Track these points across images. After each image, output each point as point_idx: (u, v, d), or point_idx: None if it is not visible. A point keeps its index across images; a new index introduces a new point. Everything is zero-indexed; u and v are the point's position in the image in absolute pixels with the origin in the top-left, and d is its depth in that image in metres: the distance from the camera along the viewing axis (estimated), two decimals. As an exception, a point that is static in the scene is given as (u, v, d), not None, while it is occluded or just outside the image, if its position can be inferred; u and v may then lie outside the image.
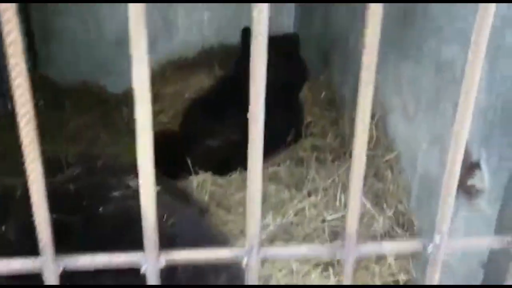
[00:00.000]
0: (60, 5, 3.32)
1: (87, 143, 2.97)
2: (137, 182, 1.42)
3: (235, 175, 2.40)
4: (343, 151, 2.24)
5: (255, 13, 0.48)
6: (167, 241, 1.19)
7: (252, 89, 0.49)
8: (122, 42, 3.52)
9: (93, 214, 1.29)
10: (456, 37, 1.51)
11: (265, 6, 0.47)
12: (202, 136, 2.73)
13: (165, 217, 1.24)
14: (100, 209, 1.30)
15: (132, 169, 1.71)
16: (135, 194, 1.52)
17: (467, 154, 1.39)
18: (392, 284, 1.71)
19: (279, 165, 2.51)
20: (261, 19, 0.48)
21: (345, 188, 2.06)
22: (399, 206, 1.83)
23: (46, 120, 3.13)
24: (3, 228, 1.37)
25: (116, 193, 1.44)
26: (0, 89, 2.95)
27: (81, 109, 3.31)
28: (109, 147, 2.97)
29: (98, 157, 1.76)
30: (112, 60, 3.53)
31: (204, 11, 3.70)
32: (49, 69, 3.46)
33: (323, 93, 2.71)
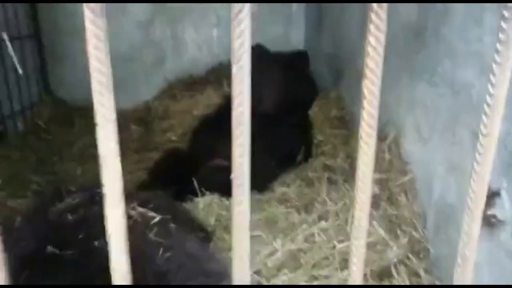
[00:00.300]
0: (69, 26, 3.34)
1: (95, 162, 2.94)
2: (137, 211, 1.36)
3: (242, 197, 2.32)
4: (355, 173, 2.15)
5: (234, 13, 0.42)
6: (158, 279, 1.13)
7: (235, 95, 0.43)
8: (130, 59, 3.53)
9: (88, 248, 1.24)
10: (471, 60, 1.42)
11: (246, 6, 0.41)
12: (210, 155, 2.68)
13: (161, 251, 1.18)
14: (96, 242, 1.25)
15: (133, 197, 1.67)
16: (134, 224, 1.47)
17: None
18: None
19: (288, 185, 2.44)
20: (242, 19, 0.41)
21: (356, 213, 1.97)
22: (414, 233, 1.73)
23: (56, 139, 3.14)
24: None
25: None
26: (10, 110, 2.96)
27: (90, 127, 3.28)
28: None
29: (99, 183, 1.72)
30: (120, 77, 3.53)
31: (213, 28, 3.68)
32: (60, 89, 3.48)
33: (334, 111, 2.64)
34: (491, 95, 0.46)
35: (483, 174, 0.47)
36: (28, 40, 3.15)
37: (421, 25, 1.82)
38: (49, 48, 3.37)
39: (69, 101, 3.47)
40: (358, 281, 0.48)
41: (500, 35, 0.44)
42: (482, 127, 0.48)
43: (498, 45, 0.45)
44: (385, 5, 0.42)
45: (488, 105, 0.46)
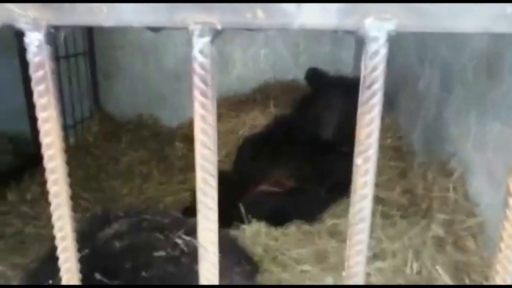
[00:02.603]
0: (121, 43, 3.41)
1: (139, 181, 2.95)
2: (185, 239, 1.31)
3: (292, 228, 2.23)
4: (414, 210, 2.02)
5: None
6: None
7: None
8: (177, 76, 3.56)
9: (135, 278, 1.21)
10: None
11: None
12: (257, 179, 2.61)
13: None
14: (143, 273, 1.22)
15: (180, 223, 1.64)
16: (181, 254, 1.42)
17: None
18: None
19: (339, 217, 2.33)
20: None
21: (417, 254, 1.84)
22: (485, 283, 1.58)
23: (104, 154, 3.19)
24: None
25: (161, 253, 1.37)
26: (64, 124, 3.02)
27: (136, 144, 3.34)
28: (161, 185, 2.94)
29: (147, 208, 1.72)
30: (169, 94, 3.57)
31: (261, 47, 3.66)
32: (109, 103, 3.55)
33: (390, 140, 2.51)
34: None
35: None
36: (82, 57, 3.24)
37: (495, 55, 1.69)
38: (101, 64, 3.45)
39: (118, 116, 3.54)
40: None
41: None
42: None
43: None
44: None
45: None
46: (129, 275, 1.29)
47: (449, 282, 1.63)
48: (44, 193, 2.55)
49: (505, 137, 1.59)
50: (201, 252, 0.43)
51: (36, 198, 2.54)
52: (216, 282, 0.45)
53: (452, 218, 1.78)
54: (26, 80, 2.75)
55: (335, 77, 2.64)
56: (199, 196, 0.40)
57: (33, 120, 2.86)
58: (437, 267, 1.70)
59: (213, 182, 0.40)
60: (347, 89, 2.44)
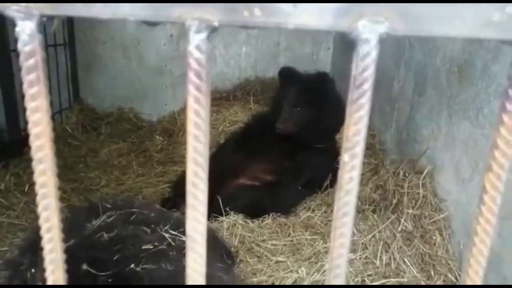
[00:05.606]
0: (103, 34, 3.38)
1: (118, 172, 2.94)
2: (172, 233, 1.34)
3: (268, 221, 2.29)
4: (385, 204, 2.11)
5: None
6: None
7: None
8: (159, 71, 3.56)
9: (122, 271, 1.22)
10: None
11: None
12: (235, 174, 2.65)
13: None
14: (131, 266, 1.23)
15: (166, 218, 1.66)
16: (168, 248, 1.44)
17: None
18: None
19: (313, 211, 2.40)
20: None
21: (386, 247, 1.92)
22: (449, 275, 1.67)
23: (82, 145, 3.16)
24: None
25: (149, 246, 1.39)
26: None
27: (116, 136, 3.33)
28: (140, 177, 2.94)
29: (133, 200, 1.72)
30: (150, 88, 3.57)
31: (243, 45, 3.70)
32: (89, 96, 3.52)
33: (364, 138, 2.59)
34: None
35: None
36: (62, 48, 3.20)
37: (467, 60, 1.78)
38: (81, 56, 3.41)
39: (98, 107, 3.51)
40: None
41: None
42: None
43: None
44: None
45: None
46: (117, 267, 1.30)
47: (416, 273, 1.72)
48: (18, 184, 2.50)
49: (473, 137, 1.69)
50: (188, 243, 0.45)
51: (9, 188, 2.50)
52: (203, 272, 0.47)
53: (420, 213, 1.87)
54: (2, 70, 2.71)
55: (301, 75, 2.75)
56: (189, 188, 0.43)
57: (8, 110, 2.81)
58: (405, 259, 1.78)
59: (204, 175, 0.42)
60: (308, 86, 2.57)
